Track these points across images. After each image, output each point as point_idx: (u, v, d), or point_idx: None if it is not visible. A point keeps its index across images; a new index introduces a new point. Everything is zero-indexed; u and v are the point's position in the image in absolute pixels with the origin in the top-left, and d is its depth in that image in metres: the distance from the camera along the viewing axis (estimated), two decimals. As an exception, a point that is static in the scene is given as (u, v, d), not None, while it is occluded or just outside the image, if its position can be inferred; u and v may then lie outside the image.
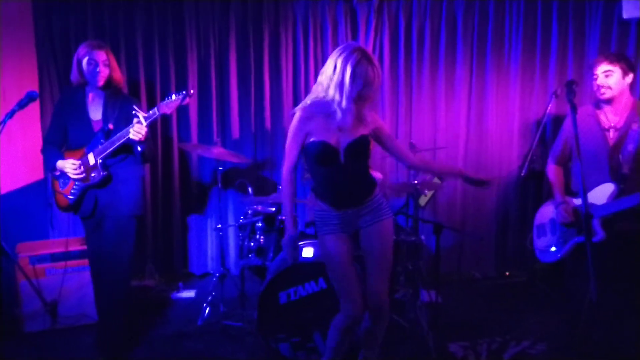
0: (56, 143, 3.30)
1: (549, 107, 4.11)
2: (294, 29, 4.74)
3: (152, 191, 4.79)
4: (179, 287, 4.56)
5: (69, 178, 3.20)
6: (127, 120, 3.16)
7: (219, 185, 4.08)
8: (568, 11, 4.66)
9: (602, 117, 2.98)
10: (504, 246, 4.96)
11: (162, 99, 4.58)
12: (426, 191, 4.60)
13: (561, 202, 3.13)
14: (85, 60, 3.15)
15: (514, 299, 4.37)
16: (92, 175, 3.16)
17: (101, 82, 3.19)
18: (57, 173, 3.25)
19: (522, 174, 3.89)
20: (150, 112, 3.11)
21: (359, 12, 4.70)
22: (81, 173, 3.16)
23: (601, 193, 2.88)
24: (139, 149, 3.19)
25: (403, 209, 4.39)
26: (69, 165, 3.15)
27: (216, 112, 4.78)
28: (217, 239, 4.77)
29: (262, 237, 3.80)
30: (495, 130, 4.83)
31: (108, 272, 3.24)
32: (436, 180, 4.63)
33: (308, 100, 2.56)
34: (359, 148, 2.55)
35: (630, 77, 2.94)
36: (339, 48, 2.48)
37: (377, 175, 4.09)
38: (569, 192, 3.20)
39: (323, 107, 2.50)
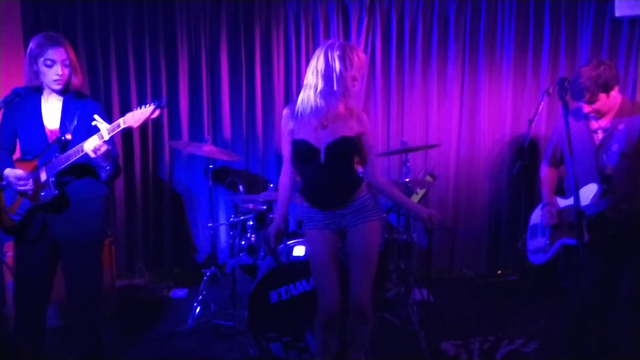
0: (6, 148, 2.78)
1: (541, 106, 4.11)
2: (285, 26, 4.72)
3: (143, 189, 4.76)
4: (170, 286, 4.53)
5: (16, 194, 2.68)
6: (90, 130, 2.63)
7: (210, 183, 4.05)
8: (560, 9, 4.66)
9: (592, 120, 2.97)
10: (496, 244, 4.95)
11: (153, 96, 4.65)
12: (418, 189, 4.58)
13: (547, 203, 3.13)
14: (41, 61, 2.61)
15: (506, 297, 4.37)
16: (42, 194, 2.64)
17: (60, 86, 2.67)
18: (4, 183, 2.70)
19: (514, 173, 3.88)
20: (114, 123, 2.55)
21: (350, 10, 4.68)
22: (28, 189, 2.62)
23: (586, 194, 2.88)
24: (102, 175, 2.68)
25: (395, 207, 4.37)
26: (13, 176, 2.62)
27: (207, 110, 4.75)
28: (208, 238, 4.74)
29: (253, 235, 3.77)
30: (487, 129, 4.82)
31: (75, 306, 2.84)
32: (428, 178, 4.62)
33: (299, 99, 2.57)
34: (340, 149, 2.55)
35: (614, 91, 2.82)
36: (321, 45, 2.52)
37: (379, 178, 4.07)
38: (562, 192, 3.19)
39: (308, 104, 2.51)
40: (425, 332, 3.45)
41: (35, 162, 2.66)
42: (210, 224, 4.06)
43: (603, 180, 2.84)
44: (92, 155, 2.52)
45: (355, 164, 2.69)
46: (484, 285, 4.69)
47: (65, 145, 2.63)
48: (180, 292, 4.47)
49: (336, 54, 2.42)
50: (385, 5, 4.71)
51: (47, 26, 4.46)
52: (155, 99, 2.74)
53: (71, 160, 2.58)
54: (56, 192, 2.63)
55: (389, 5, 4.70)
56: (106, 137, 2.52)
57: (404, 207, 2.85)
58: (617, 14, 4.44)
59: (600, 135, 2.90)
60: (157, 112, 2.55)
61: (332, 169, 2.56)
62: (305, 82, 2.54)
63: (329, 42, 2.51)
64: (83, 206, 2.73)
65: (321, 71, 2.44)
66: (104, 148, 2.54)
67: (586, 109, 2.81)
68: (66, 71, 2.66)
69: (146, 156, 4.75)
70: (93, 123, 2.54)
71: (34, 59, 2.64)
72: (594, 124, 2.91)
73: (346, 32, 4.72)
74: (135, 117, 2.54)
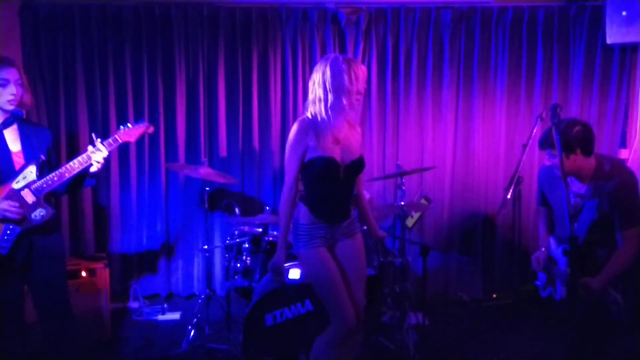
0: None
1: (534, 131, 4.16)
2: (282, 50, 4.76)
3: (138, 211, 4.76)
4: (164, 309, 4.50)
5: None
6: (48, 154, 2.79)
7: (206, 205, 4.05)
8: (553, 35, 4.74)
9: (569, 180, 2.97)
10: (491, 268, 4.96)
11: (151, 120, 4.67)
12: (413, 213, 4.60)
13: (540, 247, 3.17)
14: None
15: (501, 321, 4.36)
16: (38, 214, 2.65)
17: (14, 104, 2.68)
18: None
19: (508, 197, 3.90)
20: (110, 139, 2.78)
21: (347, 34, 4.74)
22: (19, 213, 2.60)
23: (562, 255, 2.92)
24: (93, 182, 2.87)
25: (390, 230, 4.38)
26: (5, 205, 2.57)
27: (204, 133, 4.77)
28: (203, 260, 4.73)
29: (248, 258, 3.77)
30: (481, 153, 4.86)
31: (52, 324, 2.83)
32: (423, 201, 4.64)
33: (308, 114, 2.58)
34: (360, 167, 2.66)
35: (576, 154, 2.76)
36: (323, 59, 2.57)
37: (364, 193, 4.09)
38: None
39: (321, 119, 2.54)
40: (421, 357, 3.44)
41: (10, 187, 2.63)
42: (205, 247, 4.05)
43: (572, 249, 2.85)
44: (93, 168, 2.72)
45: None
46: (479, 309, 4.68)
47: (43, 166, 2.71)
48: (174, 315, 4.44)
49: (343, 68, 2.47)
50: (381, 30, 4.78)
51: (46, 49, 4.51)
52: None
53: (71, 175, 2.68)
54: (53, 210, 2.68)
55: (385, 30, 4.77)
56: (105, 153, 2.72)
57: (366, 220, 2.95)
58: (609, 41, 4.51)
59: (577, 202, 2.92)
60: (151, 128, 2.89)
61: (347, 185, 2.66)
62: (311, 96, 2.56)
63: (333, 56, 2.55)
64: (52, 223, 2.77)
65: (330, 85, 2.48)
66: (100, 163, 2.74)
67: (546, 162, 2.85)
68: (19, 90, 2.68)
69: (142, 178, 4.76)
70: (98, 141, 2.73)
71: None
72: (570, 184, 2.93)
73: (342, 56, 4.78)
74: (131, 132, 2.83)
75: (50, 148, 2.84)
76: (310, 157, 2.56)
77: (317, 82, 2.52)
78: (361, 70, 2.53)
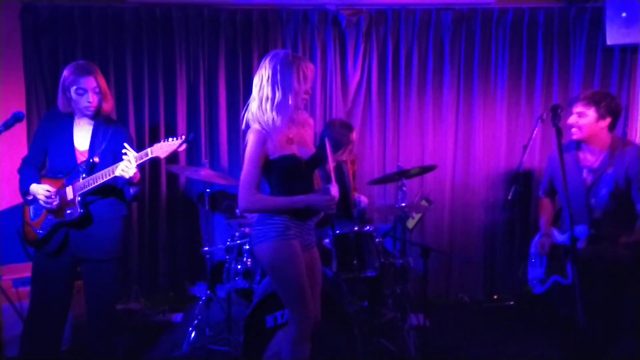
0: (36, 166, 3.00)
1: (535, 131, 4.16)
2: (283, 52, 4.76)
3: (139, 212, 4.76)
4: (165, 311, 4.50)
5: (41, 209, 2.87)
6: (116, 154, 2.85)
7: (207, 207, 4.05)
8: (553, 37, 4.74)
9: (581, 156, 3.01)
10: (492, 269, 4.96)
11: (151, 123, 4.68)
12: (414, 214, 4.59)
13: (543, 234, 3.17)
14: (73, 89, 2.83)
15: (503, 322, 4.35)
16: (68, 211, 2.83)
17: (91, 112, 2.88)
18: (30, 198, 2.90)
19: (509, 197, 3.90)
20: (142, 152, 2.82)
21: (347, 36, 4.75)
22: (54, 205, 2.82)
23: (577, 235, 2.93)
24: (131, 191, 2.96)
25: (390, 232, 4.38)
26: (42, 192, 2.80)
27: (204, 134, 4.78)
28: (204, 261, 4.72)
29: (249, 259, 3.77)
30: (482, 154, 4.86)
31: (91, 319, 3.00)
32: (424, 202, 4.64)
33: (256, 124, 2.53)
34: (317, 162, 2.61)
35: (606, 122, 2.89)
36: (272, 56, 2.53)
37: (363, 199, 4.08)
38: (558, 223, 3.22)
39: (269, 119, 2.51)
40: (422, 358, 3.43)
41: (63, 181, 2.85)
42: (206, 248, 4.05)
43: (592, 224, 2.87)
44: (121, 175, 2.73)
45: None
46: (480, 310, 4.68)
47: (92, 167, 2.83)
48: (176, 317, 4.44)
49: (292, 68, 2.46)
50: (381, 32, 4.78)
51: (47, 51, 4.52)
52: (184, 133, 2.94)
53: (100, 182, 2.78)
54: (81, 211, 2.81)
55: (385, 32, 4.77)
56: (134, 165, 2.75)
57: None
58: (609, 42, 4.51)
59: (589, 178, 2.94)
60: (183, 146, 2.84)
61: (310, 180, 2.62)
62: (258, 94, 2.52)
63: (282, 53, 2.52)
64: (104, 225, 2.92)
65: (279, 84, 2.46)
66: (133, 171, 2.75)
67: (571, 119, 2.89)
68: (96, 98, 2.87)
69: (142, 179, 4.74)
70: (123, 150, 2.75)
71: (66, 87, 2.85)
72: (583, 160, 2.95)
73: (343, 58, 4.78)
74: (163, 148, 2.81)
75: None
76: (272, 158, 2.52)
77: (266, 80, 2.49)
78: (310, 69, 2.52)
